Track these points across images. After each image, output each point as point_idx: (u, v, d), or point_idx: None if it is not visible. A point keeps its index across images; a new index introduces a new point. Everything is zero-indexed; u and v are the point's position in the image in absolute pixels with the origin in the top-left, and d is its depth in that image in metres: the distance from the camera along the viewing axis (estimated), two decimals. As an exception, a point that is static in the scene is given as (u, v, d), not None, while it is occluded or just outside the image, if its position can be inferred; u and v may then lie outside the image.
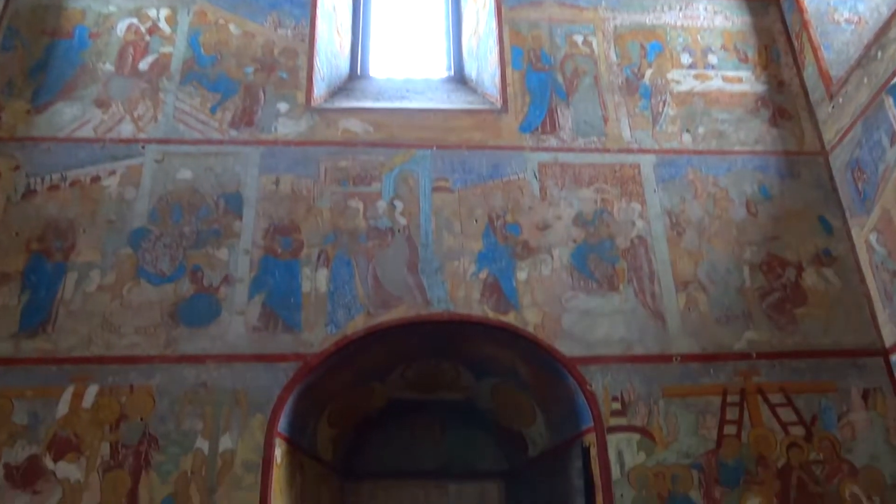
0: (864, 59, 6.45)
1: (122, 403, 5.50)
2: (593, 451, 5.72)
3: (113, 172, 6.34)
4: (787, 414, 5.83)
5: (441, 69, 8.20)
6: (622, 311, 6.12)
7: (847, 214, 6.65)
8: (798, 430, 5.78)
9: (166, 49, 7.01)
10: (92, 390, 5.54)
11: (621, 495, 5.48)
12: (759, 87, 7.36)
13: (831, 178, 6.85)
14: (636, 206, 6.58)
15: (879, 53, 6.27)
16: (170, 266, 6.03)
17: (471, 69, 7.91)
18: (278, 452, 5.59)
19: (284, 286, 6.02)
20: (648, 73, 7.31)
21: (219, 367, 5.68)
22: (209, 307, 5.90)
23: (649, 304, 6.18)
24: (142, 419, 5.46)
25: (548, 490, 6.28)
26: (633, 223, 6.51)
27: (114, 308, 5.83)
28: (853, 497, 5.57)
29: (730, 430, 5.73)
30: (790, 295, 6.30)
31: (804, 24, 7.33)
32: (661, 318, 6.13)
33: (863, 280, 6.39)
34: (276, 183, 6.42)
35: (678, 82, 7.29)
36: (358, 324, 5.93)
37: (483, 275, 6.17)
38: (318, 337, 5.85)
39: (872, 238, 6.28)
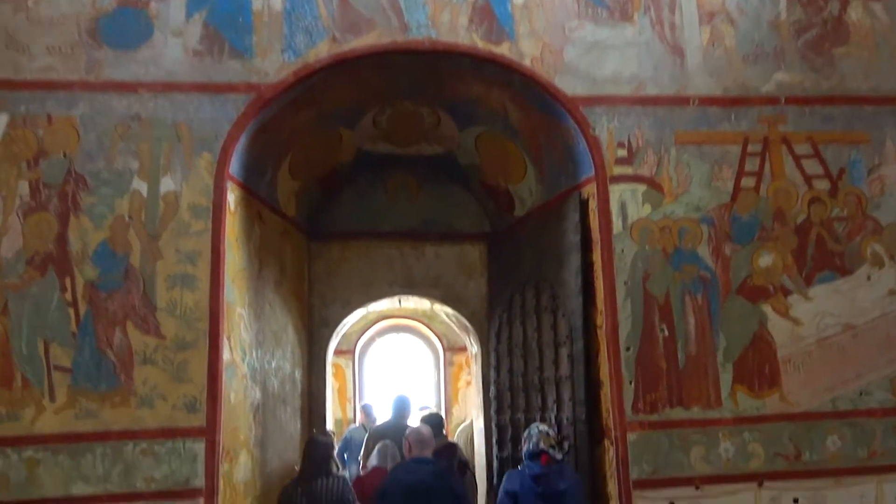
0: None
1: (39, 137, 4.67)
2: (592, 204, 5.08)
3: None
4: (812, 166, 5.20)
5: None
6: (635, 45, 5.22)
7: (908, -65, 5.58)
8: (822, 184, 5.18)
9: None
10: (1, 120, 4.65)
11: (622, 250, 4.93)
12: None
13: None
14: (659, -84, 5.43)
15: None
16: (84, -29, 4.90)
17: None
18: (231, 198, 4.87)
19: (230, 3, 5.00)
20: None
21: (155, 98, 4.80)
22: (138, 25, 4.88)
23: (667, 36, 5.26)
24: (65, 155, 4.67)
25: (537, 250, 5.68)
26: (655, -62, 5.40)
27: (19, 23, 4.80)
28: (874, 256, 5.08)
29: (747, 182, 5.12)
30: (830, 31, 5.42)
31: None
32: (679, 53, 5.25)
33: (916, 17, 5.49)
34: None
35: None
36: (321, 51, 4.98)
37: (472, -4, 5.15)
38: (273, 65, 4.92)
39: (936, -36, 5.29)
